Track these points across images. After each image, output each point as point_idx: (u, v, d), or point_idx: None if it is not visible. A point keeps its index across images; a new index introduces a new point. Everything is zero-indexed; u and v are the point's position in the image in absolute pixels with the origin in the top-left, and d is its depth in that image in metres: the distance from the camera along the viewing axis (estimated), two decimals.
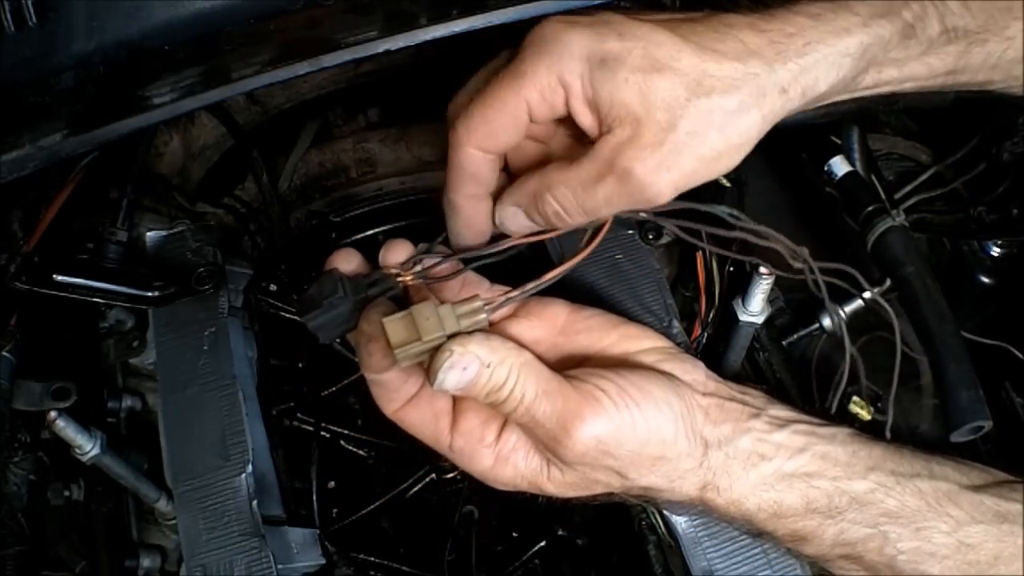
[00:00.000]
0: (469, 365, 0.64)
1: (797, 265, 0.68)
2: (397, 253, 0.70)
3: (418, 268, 0.69)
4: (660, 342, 0.74)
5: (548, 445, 0.66)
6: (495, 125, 0.65)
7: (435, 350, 0.64)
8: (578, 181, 0.65)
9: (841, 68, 0.65)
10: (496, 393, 0.65)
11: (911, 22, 0.68)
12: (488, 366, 0.64)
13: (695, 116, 0.62)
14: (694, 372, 0.72)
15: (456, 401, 0.70)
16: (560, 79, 0.63)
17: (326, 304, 0.66)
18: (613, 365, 0.71)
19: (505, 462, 0.69)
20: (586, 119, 0.65)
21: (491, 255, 0.71)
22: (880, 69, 0.69)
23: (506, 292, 0.71)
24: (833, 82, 0.65)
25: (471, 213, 0.71)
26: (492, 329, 0.71)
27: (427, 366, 0.64)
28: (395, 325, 0.64)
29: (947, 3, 0.69)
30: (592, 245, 0.72)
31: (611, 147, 0.63)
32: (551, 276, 0.70)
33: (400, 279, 0.68)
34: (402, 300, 0.70)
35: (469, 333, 0.65)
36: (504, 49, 0.68)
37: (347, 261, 0.70)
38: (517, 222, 0.70)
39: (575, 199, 0.65)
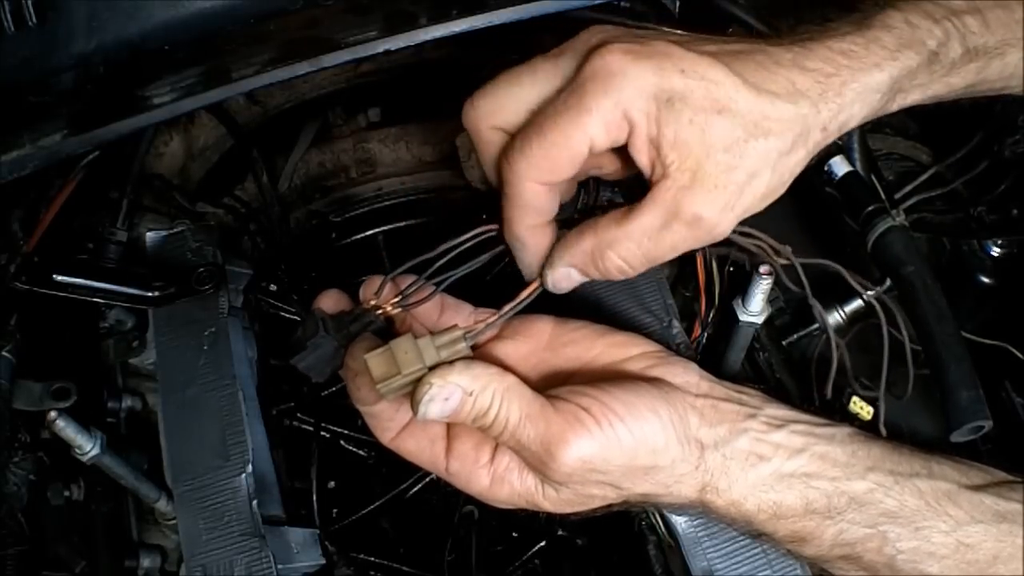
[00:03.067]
0: (451, 395, 0.65)
1: (781, 262, 0.69)
2: (375, 287, 0.70)
3: (397, 299, 0.70)
4: (648, 347, 0.74)
5: (536, 467, 0.67)
6: (557, 161, 0.65)
7: (417, 382, 0.65)
8: (642, 232, 0.65)
9: (872, 103, 0.67)
10: (482, 418, 0.66)
11: (935, 49, 0.69)
12: (471, 394, 0.65)
13: (754, 157, 0.63)
14: (686, 374, 0.72)
15: (449, 426, 0.71)
16: (627, 116, 0.63)
17: (310, 345, 0.68)
18: (600, 378, 0.71)
19: (501, 482, 0.70)
20: (644, 156, 0.65)
21: (464, 272, 0.71)
22: (906, 95, 0.71)
23: (486, 319, 0.71)
24: (864, 116, 0.68)
25: (537, 242, 0.70)
26: (478, 352, 0.73)
27: (410, 398, 0.65)
28: (376, 360, 0.65)
29: (966, 23, 0.71)
30: None
31: (674, 193, 0.63)
32: (528, 293, 0.71)
33: (380, 312, 0.69)
34: (387, 332, 0.71)
35: (451, 363, 0.66)
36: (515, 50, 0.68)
37: (329, 301, 0.72)
38: (570, 280, 0.70)
39: (640, 251, 0.66)
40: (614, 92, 0.62)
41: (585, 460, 0.64)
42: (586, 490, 0.67)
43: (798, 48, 0.67)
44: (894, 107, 0.71)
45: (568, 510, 0.70)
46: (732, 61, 0.64)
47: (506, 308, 0.71)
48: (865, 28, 0.68)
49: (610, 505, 0.70)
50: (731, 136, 0.63)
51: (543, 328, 0.75)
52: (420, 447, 0.71)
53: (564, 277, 0.70)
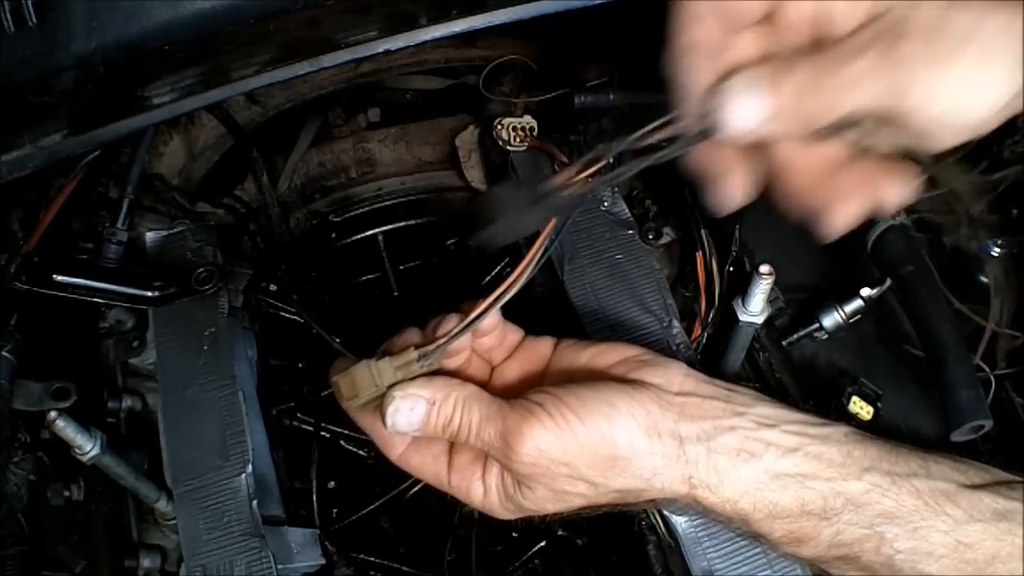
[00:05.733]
0: (415, 406, 0.70)
1: None
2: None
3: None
4: (630, 352, 0.76)
5: (504, 464, 0.70)
6: None
7: (382, 398, 0.70)
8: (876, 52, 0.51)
9: None
10: (449, 426, 0.70)
11: None
12: (434, 403, 0.70)
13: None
14: (667, 374, 0.73)
15: (452, 443, 0.75)
16: None
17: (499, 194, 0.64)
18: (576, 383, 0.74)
19: (490, 489, 0.73)
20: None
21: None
22: None
23: (436, 341, 0.71)
24: None
25: (705, 58, 0.56)
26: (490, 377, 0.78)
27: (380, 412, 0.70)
28: (344, 381, 0.71)
29: None
30: (531, 262, 0.68)
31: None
32: (483, 308, 0.69)
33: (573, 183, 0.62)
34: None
35: (412, 377, 0.70)
36: None
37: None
38: (744, 123, 0.54)
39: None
40: None
41: (542, 450, 0.67)
42: (558, 485, 0.69)
43: None
44: None
45: (551, 508, 0.72)
46: None
47: (457, 328, 0.70)
48: None
49: (598, 505, 0.72)
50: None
51: (545, 350, 0.79)
52: (425, 462, 0.75)
53: (747, 89, 0.53)
